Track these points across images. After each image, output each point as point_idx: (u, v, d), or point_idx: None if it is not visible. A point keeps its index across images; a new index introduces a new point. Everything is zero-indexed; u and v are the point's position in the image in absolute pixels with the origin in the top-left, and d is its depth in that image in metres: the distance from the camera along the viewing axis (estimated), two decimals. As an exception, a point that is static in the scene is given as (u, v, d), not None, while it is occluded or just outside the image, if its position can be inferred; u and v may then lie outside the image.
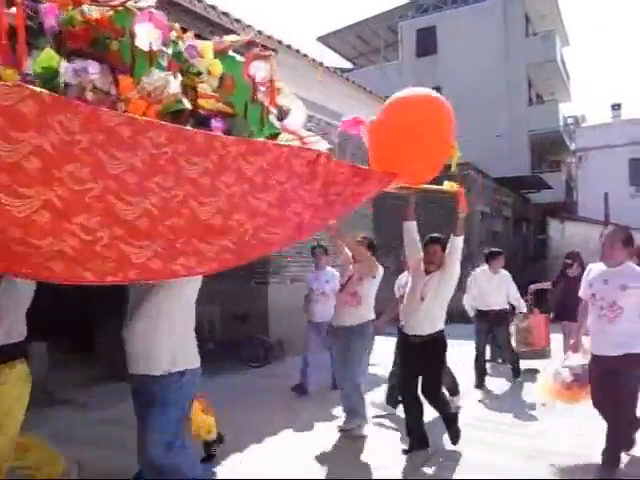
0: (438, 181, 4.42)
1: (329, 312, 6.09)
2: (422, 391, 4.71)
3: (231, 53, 2.99)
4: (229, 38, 3.03)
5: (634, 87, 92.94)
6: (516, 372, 7.52)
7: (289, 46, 9.39)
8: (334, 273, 6.85)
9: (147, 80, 2.34)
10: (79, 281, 2.04)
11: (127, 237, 2.08)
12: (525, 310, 7.98)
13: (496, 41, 24.49)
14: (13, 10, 2.10)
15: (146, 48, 2.41)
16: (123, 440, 4.98)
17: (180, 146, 2.25)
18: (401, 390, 5.01)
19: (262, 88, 3.01)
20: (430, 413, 4.90)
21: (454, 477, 4.28)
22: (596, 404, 4.35)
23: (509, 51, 24.51)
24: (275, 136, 2.98)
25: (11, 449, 3.13)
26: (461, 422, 4.88)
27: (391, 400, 5.90)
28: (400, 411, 5.29)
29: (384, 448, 4.90)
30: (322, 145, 3.26)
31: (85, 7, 2.33)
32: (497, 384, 7.39)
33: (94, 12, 2.33)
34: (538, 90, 27.57)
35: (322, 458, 4.69)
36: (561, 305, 7.65)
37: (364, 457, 4.75)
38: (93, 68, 2.21)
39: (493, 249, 7.75)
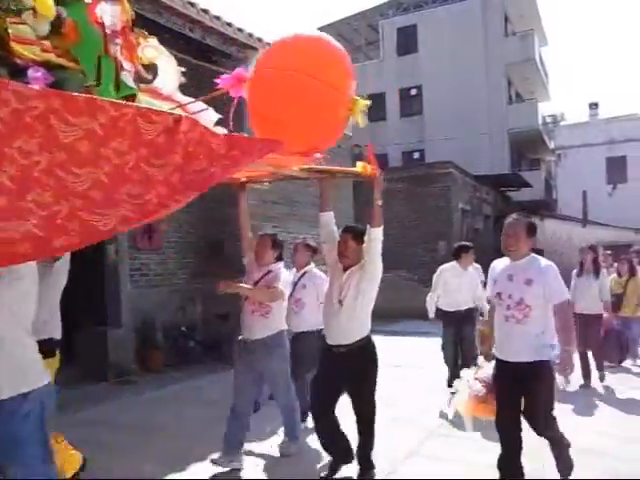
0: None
1: (309, 321, 5.40)
2: (354, 408, 4.02)
3: None
4: None
5: (611, 86, 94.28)
6: None
7: (269, 44, 9.32)
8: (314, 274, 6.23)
9: None
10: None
11: None
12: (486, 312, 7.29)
13: (476, 40, 24.64)
14: None
15: None
16: (102, 441, 4.96)
17: None
18: (315, 408, 4.17)
19: (118, 40, 2.36)
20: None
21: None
22: (501, 420, 3.78)
23: (489, 50, 24.69)
24: (130, 99, 2.33)
25: None
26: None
27: None
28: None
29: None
30: (211, 115, 2.80)
31: None
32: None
33: None
34: (518, 89, 27.81)
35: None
36: None
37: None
38: None
39: (462, 243, 7.16)
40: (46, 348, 2.83)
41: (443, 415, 5.64)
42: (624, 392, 6.74)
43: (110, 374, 7.48)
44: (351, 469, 4.09)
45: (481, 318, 6.69)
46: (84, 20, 2.25)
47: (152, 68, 2.60)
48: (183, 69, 2.90)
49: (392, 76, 25.87)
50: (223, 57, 9.06)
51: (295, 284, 5.48)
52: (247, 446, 4.64)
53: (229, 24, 8.43)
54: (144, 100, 2.43)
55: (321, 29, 29.06)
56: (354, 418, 4.02)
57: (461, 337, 6.70)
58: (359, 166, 3.79)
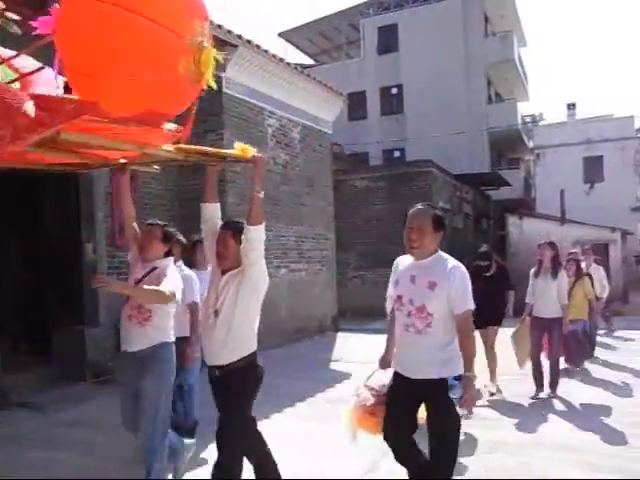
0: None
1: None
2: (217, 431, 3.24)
3: None
4: None
5: (588, 88, 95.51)
6: None
7: (249, 41, 9.29)
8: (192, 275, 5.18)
9: None
10: None
11: None
12: None
13: (456, 40, 24.80)
14: None
15: None
16: (84, 441, 4.91)
17: None
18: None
19: None
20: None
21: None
22: (389, 438, 3.22)
23: (469, 50, 24.88)
24: None
25: None
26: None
27: None
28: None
29: None
30: (50, 74, 2.25)
31: None
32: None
33: None
34: (497, 89, 28.07)
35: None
36: (476, 310, 7.19)
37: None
38: None
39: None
40: None
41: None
42: (581, 397, 6.39)
43: (88, 374, 7.39)
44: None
45: None
46: None
47: None
48: (16, 17, 2.40)
49: (373, 75, 25.93)
50: (203, 54, 8.99)
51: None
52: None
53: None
54: None
55: (302, 27, 29.21)
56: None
57: None
58: (237, 148, 3.13)
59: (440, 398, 3.06)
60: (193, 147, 3.04)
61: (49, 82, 2.31)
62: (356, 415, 3.44)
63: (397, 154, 25.38)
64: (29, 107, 1.83)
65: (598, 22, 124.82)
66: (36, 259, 8.18)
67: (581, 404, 6.15)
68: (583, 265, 8.54)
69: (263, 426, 5.17)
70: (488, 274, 6.66)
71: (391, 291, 3.41)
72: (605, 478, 4.07)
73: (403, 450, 3.20)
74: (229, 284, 3.22)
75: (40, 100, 1.95)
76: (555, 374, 6.48)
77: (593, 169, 25.20)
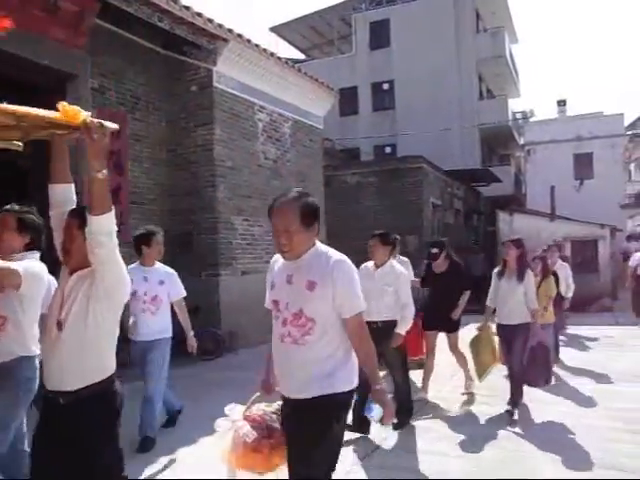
0: None
1: (159, 326, 4.83)
2: None
3: None
4: None
5: (578, 84, 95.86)
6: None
7: (240, 35, 9.23)
8: (168, 271, 4.96)
9: None
10: None
11: None
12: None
13: (448, 36, 24.81)
14: None
15: None
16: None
17: None
18: None
19: None
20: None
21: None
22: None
23: (460, 46, 24.89)
24: None
25: None
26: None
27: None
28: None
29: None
30: None
31: None
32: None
33: None
34: (488, 85, 28.12)
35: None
36: (425, 309, 6.47)
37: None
38: None
39: (376, 231, 5.35)
40: None
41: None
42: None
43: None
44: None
45: None
46: None
47: None
48: None
49: (364, 70, 25.90)
50: (194, 48, 8.95)
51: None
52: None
53: (199, 14, 8.30)
54: None
55: (293, 22, 29.08)
56: None
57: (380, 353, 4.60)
58: (62, 108, 2.28)
59: (311, 423, 2.45)
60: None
61: None
62: (236, 454, 2.81)
63: (388, 150, 25.37)
64: None
65: (589, 20, 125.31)
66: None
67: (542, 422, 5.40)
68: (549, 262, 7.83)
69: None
70: (438, 271, 6.16)
71: (267, 297, 2.74)
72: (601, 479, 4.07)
73: None
74: (77, 288, 2.46)
75: None
76: (517, 391, 5.55)
77: (583, 166, 25.31)
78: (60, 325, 2.43)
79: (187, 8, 8.07)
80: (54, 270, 3.05)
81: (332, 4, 27.81)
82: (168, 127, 9.30)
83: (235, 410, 2.95)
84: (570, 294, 8.80)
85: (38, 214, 3.32)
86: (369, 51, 26.29)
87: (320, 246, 2.62)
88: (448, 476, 4.09)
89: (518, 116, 29.55)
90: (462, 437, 4.87)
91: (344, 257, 2.60)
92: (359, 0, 27.54)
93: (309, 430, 2.45)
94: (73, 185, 2.72)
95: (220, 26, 8.78)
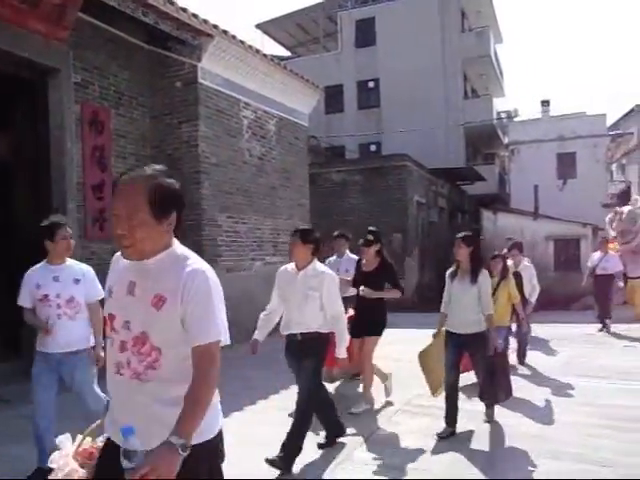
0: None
1: (78, 334, 4.02)
2: None
3: None
4: None
5: (562, 84, 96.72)
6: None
7: (225, 32, 9.17)
8: (83, 268, 4.17)
9: None
10: None
11: None
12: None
13: (433, 35, 24.90)
14: None
15: None
16: (55, 434, 4.80)
17: None
18: None
19: None
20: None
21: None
22: None
23: (445, 45, 25.00)
24: None
25: None
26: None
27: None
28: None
29: None
30: None
31: None
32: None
33: None
34: (473, 84, 28.28)
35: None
36: (354, 315, 5.82)
37: None
38: None
39: (299, 227, 4.59)
40: None
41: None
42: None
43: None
44: None
45: None
46: None
47: None
48: None
49: (350, 68, 25.92)
50: (178, 44, 8.87)
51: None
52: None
53: (183, 9, 8.23)
54: None
55: (279, 19, 29.00)
56: None
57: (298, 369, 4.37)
58: None
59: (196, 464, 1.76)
60: None
61: None
62: None
63: (373, 148, 25.44)
64: None
65: (573, 21, 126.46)
66: (6, 251, 7.98)
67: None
68: (511, 263, 7.35)
69: (236, 418, 5.19)
70: (367, 269, 5.61)
71: (106, 307, 2.01)
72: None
73: None
74: None
75: None
76: (490, 390, 5.22)
77: (566, 165, 25.57)
78: None
79: (172, 3, 8.00)
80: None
81: (318, 2, 27.79)
82: (152, 123, 9.22)
83: (67, 445, 2.35)
84: (535, 296, 7.85)
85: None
86: (355, 49, 26.32)
87: (179, 249, 1.95)
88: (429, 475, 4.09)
89: (502, 116, 29.76)
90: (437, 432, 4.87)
91: (206, 267, 1.91)
92: (345, -2, 27.57)
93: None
94: None
95: (205, 22, 8.71)
